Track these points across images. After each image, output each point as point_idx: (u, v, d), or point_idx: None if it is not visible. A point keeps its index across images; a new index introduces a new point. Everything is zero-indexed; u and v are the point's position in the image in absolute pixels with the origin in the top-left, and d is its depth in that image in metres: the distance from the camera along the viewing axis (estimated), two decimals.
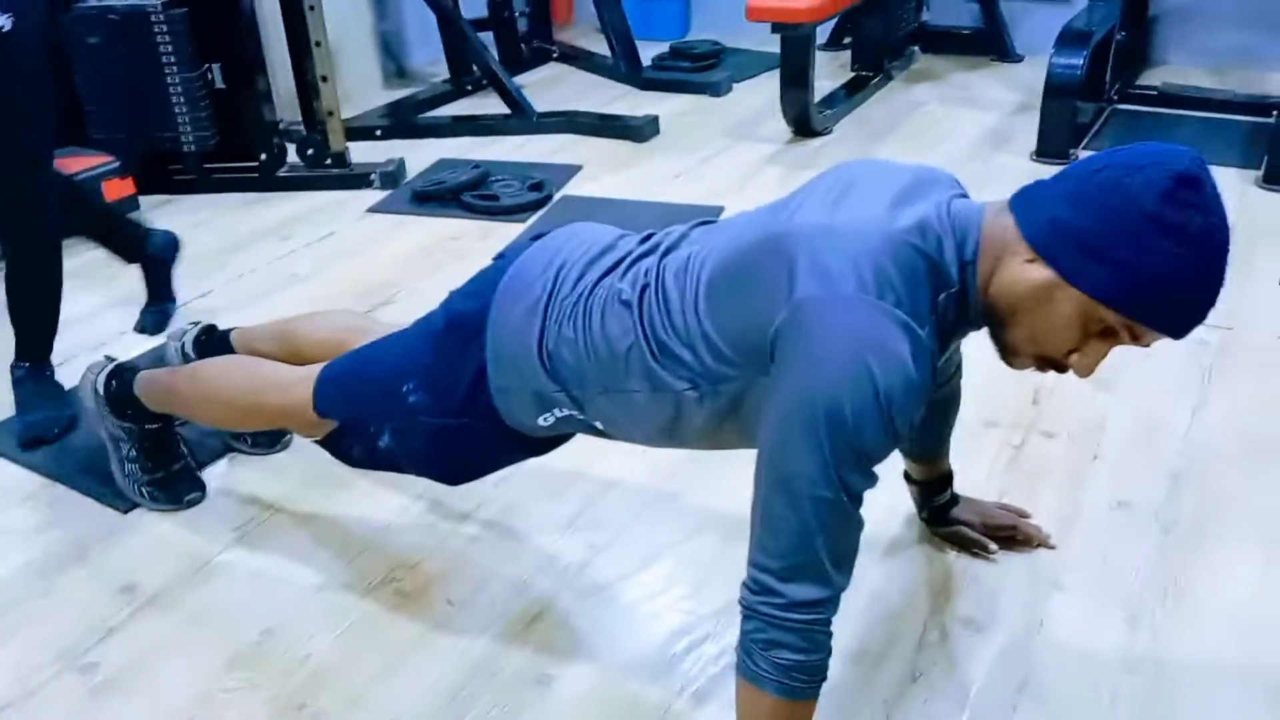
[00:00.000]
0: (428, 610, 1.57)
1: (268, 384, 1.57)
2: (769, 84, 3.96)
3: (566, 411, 1.35)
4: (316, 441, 1.54)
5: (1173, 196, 1.02)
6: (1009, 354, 1.19)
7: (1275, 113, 3.19)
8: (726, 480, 1.69)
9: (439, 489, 1.80)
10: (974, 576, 1.60)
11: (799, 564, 1.08)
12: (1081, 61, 3.19)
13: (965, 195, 1.24)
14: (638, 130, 3.68)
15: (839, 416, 1.03)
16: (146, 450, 1.76)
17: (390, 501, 1.82)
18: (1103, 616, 1.51)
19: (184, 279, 2.70)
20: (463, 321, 1.38)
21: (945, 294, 1.13)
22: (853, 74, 4.19)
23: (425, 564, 1.66)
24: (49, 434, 1.98)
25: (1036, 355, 1.17)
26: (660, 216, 2.98)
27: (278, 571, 1.67)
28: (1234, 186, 3.04)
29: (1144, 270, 1.03)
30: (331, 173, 3.34)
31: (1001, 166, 3.29)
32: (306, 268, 2.79)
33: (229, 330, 1.89)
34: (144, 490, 1.78)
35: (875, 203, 1.16)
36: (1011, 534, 1.66)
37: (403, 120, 3.93)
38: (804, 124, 3.57)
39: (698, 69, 4.42)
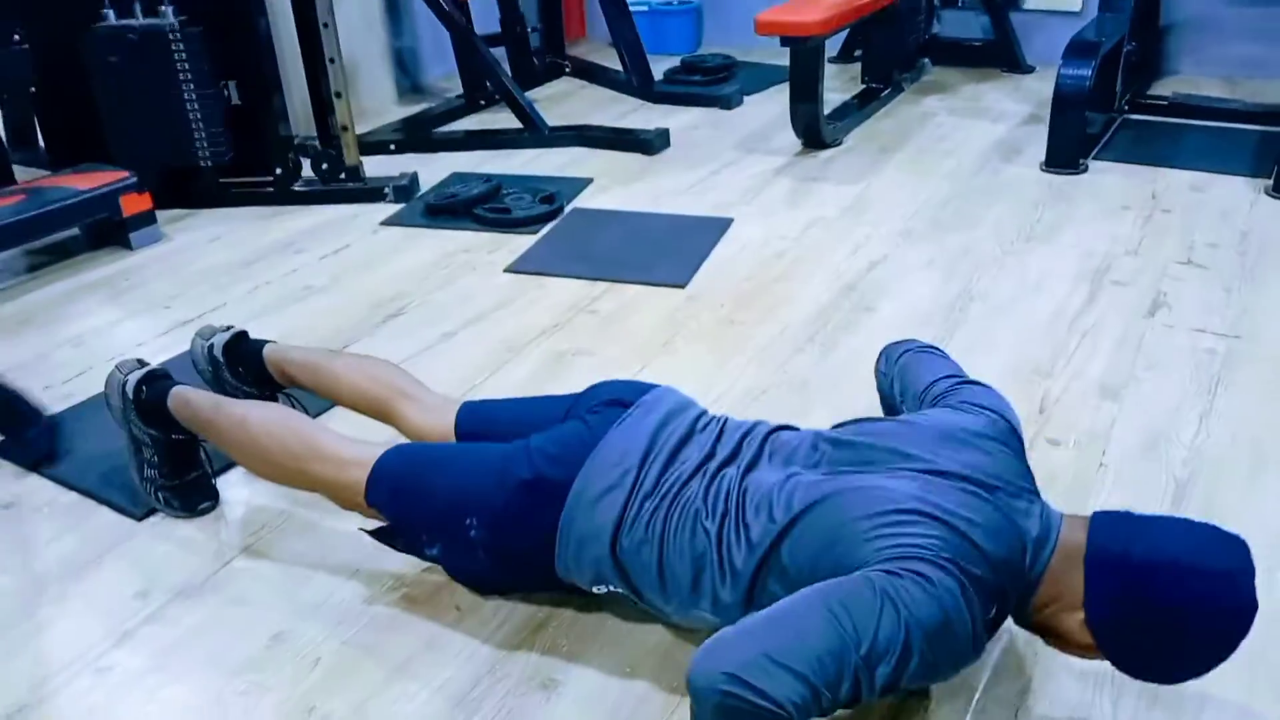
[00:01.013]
0: (435, 616, 1.59)
1: (319, 456, 1.57)
2: (780, 97, 4.01)
3: (620, 590, 1.42)
4: (361, 528, 1.59)
5: (1221, 648, 1.16)
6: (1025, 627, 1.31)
7: None
8: None
9: None
10: None
11: (801, 673, 1.07)
12: (1090, 72, 3.21)
13: (1024, 453, 1.37)
14: (648, 143, 3.71)
15: (939, 631, 1.12)
16: (169, 459, 1.79)
17: None
18: None
19: (201, 291, 2.75)
20: (545, 488, 1.43)
21: (1000, 608, 1.22)
22: (863, 86, 4.21)
23: (433, 572, 1.68)
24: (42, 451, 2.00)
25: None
26: (669, 228, 3.02)
27: (288, 578, 1.69)
28: (1244, 195, 3.04)
29: (1179, 676, 1.23)
30: (346, 187, 3.38)
31: (1012, 178, 3.30)
32: (321, 280, 2.82)
33: (262, 342, 1.91)
34: (160, 495, 1.80)
35: (967, 478, 1.25)
36: None
37: (416, 135, 3.98)
38: (814, 136, 3.59)
39: (709, 82, 4.46)
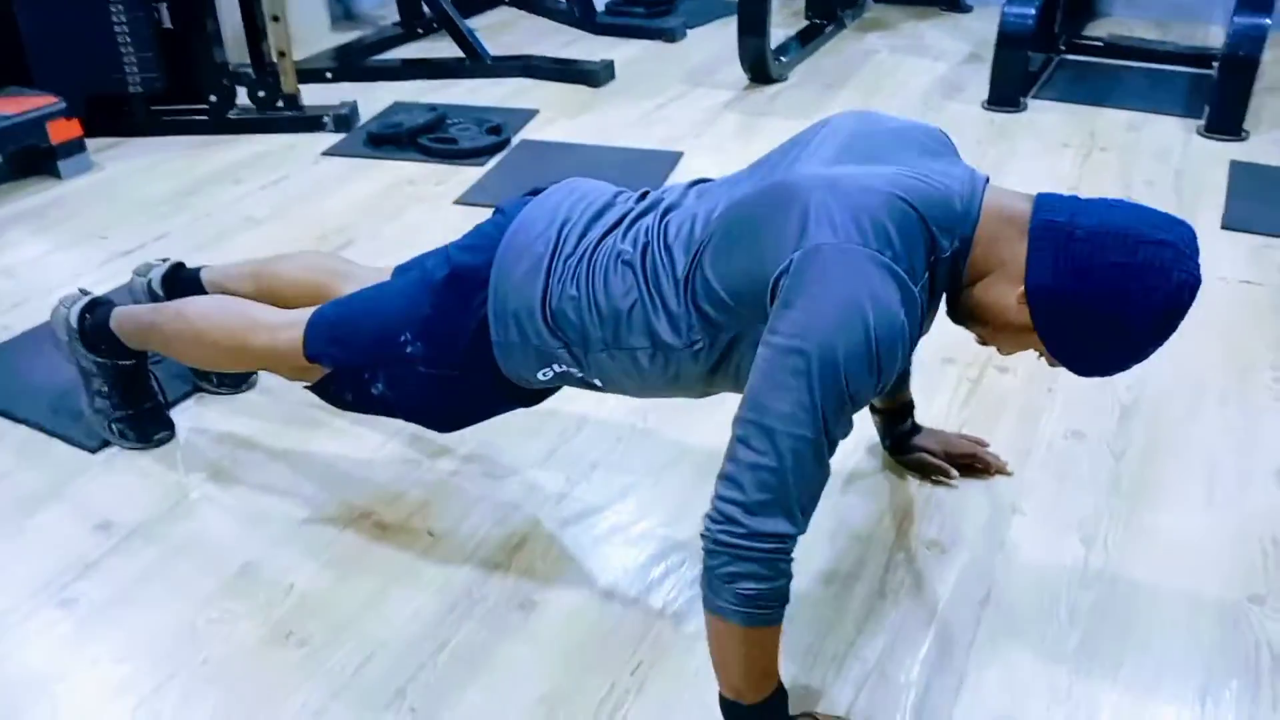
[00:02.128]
0: (410, 541, 1.60)
1: (256, 325, 1.56)
2: (723, 30, 3.98)
3: (565, 368, 1.38)
4: (307, 386, 1.55)
5: (1163, 321, 1.14)
6: (957, 319, 1.27)
7: (1215, 64, 3.27)
8: (696, 417, 1.75)
9: (415, 426, 1.82)
10: (937, 501, 1.66)
11: (768, 500, 1.09)
12: (1034, 11, 3.25)
13: (956, 153, 1.30)
14: (594, 75, 3.67)
15: (831, 362, 1.07)
16: (119, 387, 1.74)
17: (368, 439, 1.83)
18: (1059, 538, 1.59)
19: (139, 222, 2.66)
20: (465, 276, 1.40)
21: (937, 258, 1.17)
22: (806, 22, 4.20)
23: (405, 497, 1.68)
24: None
25: (981, 338, 1.29)
26: (620, 161, 2.99)
27: (255, 507, 1.67)
28: (1177, 135, 3.14)
29: (1107, 362, 1.23)
30: (283, 115, 3.28)
31: (955, 114, 3.34)
32: (263, 211, 2.75)
33: (198, 269, 1.87)
34: (113, 427, 1.77)
35: (877, 158, 1.20)
36: (971, 461, 1.72)
37: (352, 64, 3.87)
38: (761, 71, 3.59)
39: (651, 14, 4.40)
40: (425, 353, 1.42)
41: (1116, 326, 1.15)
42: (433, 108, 3.30)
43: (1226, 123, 3.07)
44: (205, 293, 1.83)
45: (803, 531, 1.12)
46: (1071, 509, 1.65)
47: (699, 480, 1.69)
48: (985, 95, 3.42)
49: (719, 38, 4.05)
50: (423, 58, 3.93)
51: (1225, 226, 2.56)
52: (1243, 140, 3.07)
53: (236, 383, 1.95)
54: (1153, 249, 1.12)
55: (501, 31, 4.31)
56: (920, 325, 1.17)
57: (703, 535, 1.13)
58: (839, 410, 1.09)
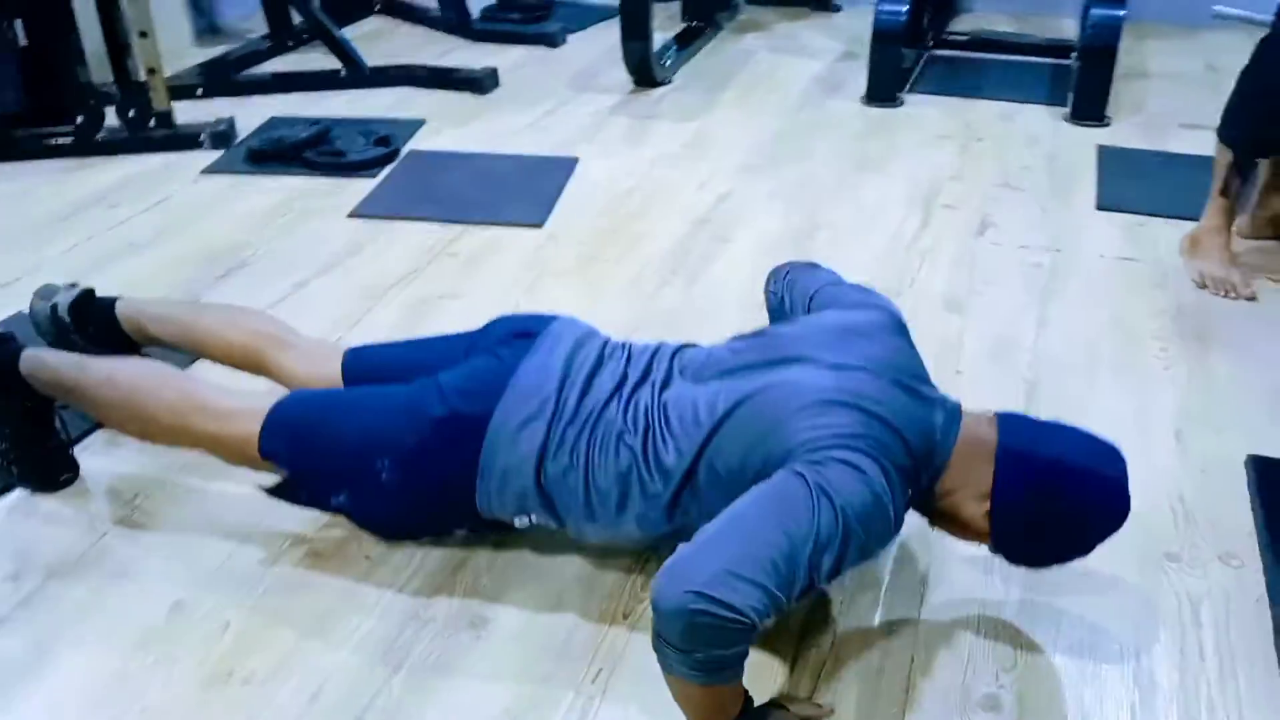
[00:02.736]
0: (346, 568, 1.55)
1: (202, 410, 1.48)
2: (603, 35, 4.00)
3: (544, 520, 1.42)
4: (263, 488, 1.50)
5: (1101, 541, 1.32)
6: (923, 515, 1.38)
7: (1073, 55, 3.46)
8: None
9: None
10: None
11: (759, 582, 1.11)
12: (905, 8, 3.37)
13: (908, 335, 1.47)
14: (478, 83, 3.63)
15: (868, 513, 1.18)
16: (21, 429, 1.64)
17: None
18: None
19: (10, 253, 2.51)
20: (462, 423, 1.40)
21: (915, 489, 1.29)
22: (683, 25, 4.25)
23: (335, 525, 1.63)
24: None
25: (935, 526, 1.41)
26: (516, 169, 2.98)
27: (177, 545, 1.60)
28: (1046, 123, 3.30)
29: (1042, 562, 1.39)
30: (156, 135, 3.14)
31: (835, 112, 3.44)
32: (145, 235, 2.62)
33: (112, 299, 1.77)
34: (15, 470, 1.66)
35: (876, 367, 1.32)
36: None
37: (220, 79, 3.72)
38: (645, 74, 3.61)
39: (528, 20, 4.38)
40: (402, 481, 1.42)
41: (1064, 545, 1.33)
42: (315, 121, 3.21)
43: (1090, 109, 3.25)
44: (119, 327, 1.74)
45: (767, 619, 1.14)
46: None
47: None
48: (863, 92, 3.53)
49: (599, 42, 4.06)
50: (296, 71, 3.83)
51: (1100, 207, 2.71)
52: (1106, 126, 3.25)
53: None
54: (1102, 484, 1.29)
55: (376, 40, 4.23)
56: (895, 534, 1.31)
57: (659, 605, 1.12)
58: (839, 556, 1.17)
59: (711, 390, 1.34)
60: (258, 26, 4.19)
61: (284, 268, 2.45)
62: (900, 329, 1.45)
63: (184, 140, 3.14)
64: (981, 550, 1.53)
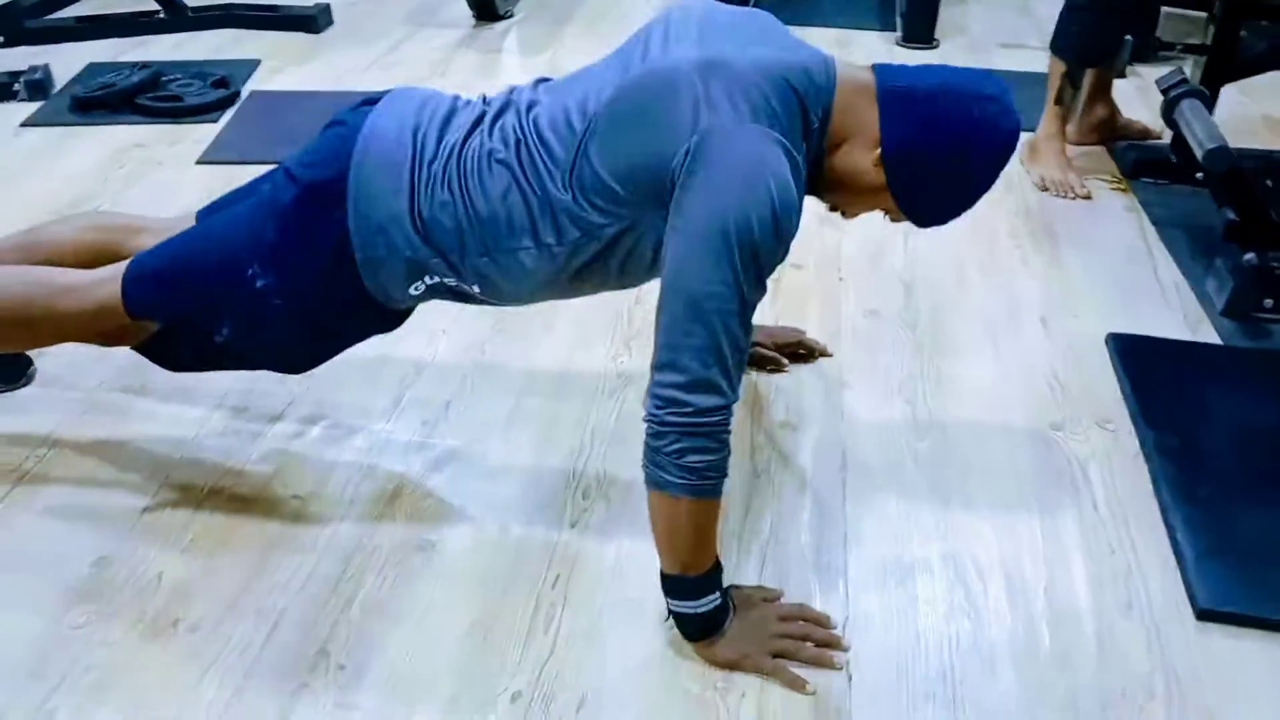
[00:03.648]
0: (276, 509, 1.51)
1: (57, 291, 1.39)
2: None
3: (438, 279, 1.34)
4: (134, 348, 1.41)
5: (996, 166, 1.28)
6: (813, 190, 1.34)
7: None
8: (535, 341, 1.77)
9: (235, 396, 1.72)
10: (777, 387, 1.79)
11: (705, 377, 1.16)
12: None
13: (789, 33, 1.36)
14: (311, 20, 3.47)
15: (747, 235, 1.14)
16: None
17: (185, 416, 1.69)
18: (886, 401, 1.76)
19: None
20: (317, 192, 1.31)
21: (809, 129, 1.25)
22: None
23: (253, 467, 1.58)
24: None
25: (835, 205, 1.40)
26: None
27: (84, 504, 1.51)
28: (881, 48, 3.45)
29: (947, 210, 1.34)
30: None
31: None
32: None
33: None
34: None
35: (743, 41, 1.24)
36: (796, 348, 1.87)
37: (19, 25, 3.41)
38: (487, 8, 3.55)
39: None
40: (278, 283, 1.33)
41: (960, 175, 1.29)
42: (145, 65, 3.00)
43: (920, 34, 3.42)
44: None
45: (737, 399, 1.19)
46: (888, 376, 1.83)
47: (554, 405, 1.72)
48: None
49: None
50: (106, 14, 3.55)
51: None
52: (935, 48, 3.43)
53: (13, 378, 1.73)
54: (984, 104, 1.25)
55: None
56: (803, 192, 1.25)
57: (647, 419, 1.18)
58: (756, 279, 1.17)
59: (580, 94, 1.28)
60: None
61: None
62: (770, 19, 1.37)
63: None
64: (887, 435, 1.66)
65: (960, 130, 1.25)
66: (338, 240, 1.31)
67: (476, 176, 1.28)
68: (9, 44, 3.30)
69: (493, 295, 1.38)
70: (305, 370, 1.51)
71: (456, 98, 1.41)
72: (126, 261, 1.40)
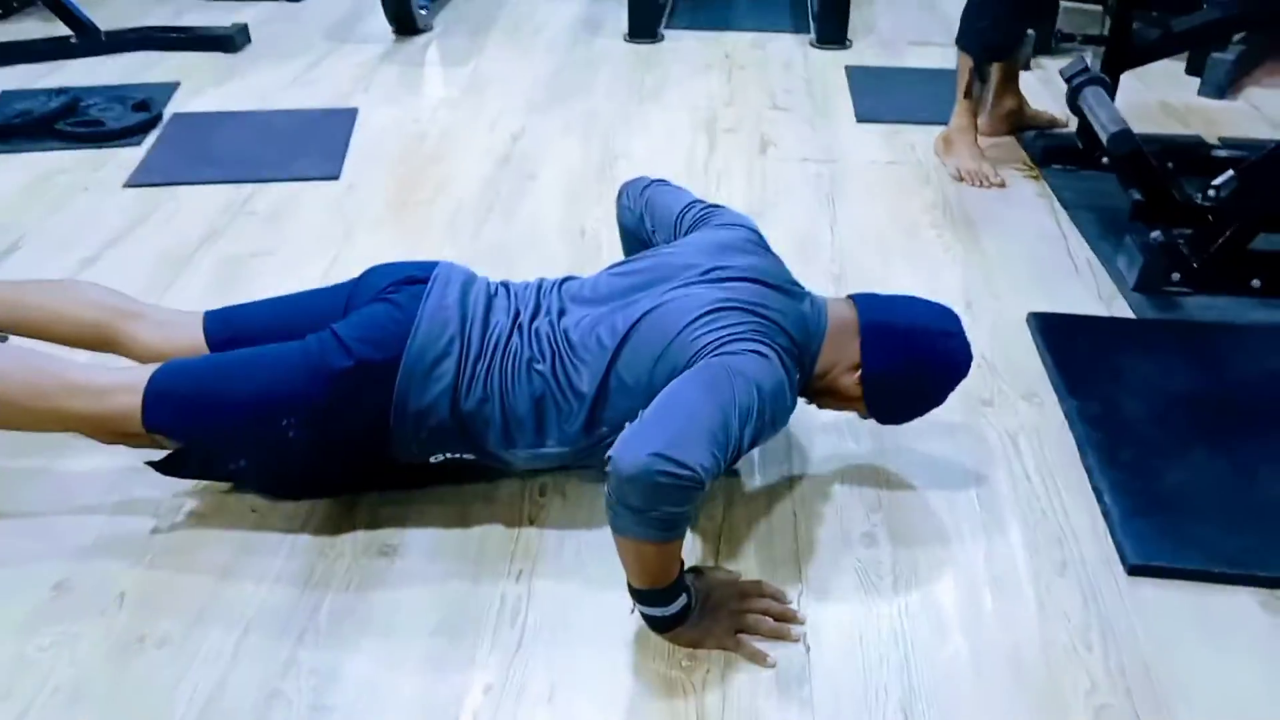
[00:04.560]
0: (235, 522, 1.52)
1: (73, 390, 1.39)
2: None
3: (459, 455, 1.46)
4: (150, 463, 1.45)
5: (953, 388, 1.52)
6: (806, 396, 1.53)
7: None
8: None
9: None
10: None
11: (705, 445, 1.21)
12: None
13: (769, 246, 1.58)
14: (229, 40, 3.46)
15: (754, 387, 1.29)
16: None
17: None
18: None
19: None
20: (371, 371, 1.40)
21: (802, 373, 1.45)
22: None
23: (208, 486, 1.59)
24: None
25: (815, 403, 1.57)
26: (298, 124, 2.90)
27: (39, 528, 1.50)
28: (796, 50, 3.55)
29: (908, 416, 1.56)
30: None
31: (603, 49, 3.55)
32: None
33: None
34: None
35: (751, 277, 1.45)
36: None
37: None
38: (407, 23, 3.57)
39: None
40: (310, 438, 1.41)
41: (925, 394, 1.52)
42: (61, 90, 2.96)
43: (833, 34, 3.53)
44: None
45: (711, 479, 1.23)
46: None
47: None
48: (624, 29, 3.65)
49: None
50: (14, 40, 3.48)
51: (859, 120, 2.97)
52: (848, 48, 3.54)
53: None
54: (947, 339, 1.49)
55: (100, 3, 3.90)
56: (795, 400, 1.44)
57: (612, 470, 1.19)
58: (755, 422, 1.28)
59: (608, 312, 1.44)
60: None
61: (64, 245, 2.28)
62: (763, 241, 1.58)
63: None
64: (837, 416, 1.72)
65: (928, 363, 1.49)
66: (379, 410, 1.41)
67: (515, 382, 1.41)
68: None
69: (506, 469, 1.52)
70: (295, 500, 1.55)
71: (487, 284, 1.55)
72: (145, 372, 1.42)
